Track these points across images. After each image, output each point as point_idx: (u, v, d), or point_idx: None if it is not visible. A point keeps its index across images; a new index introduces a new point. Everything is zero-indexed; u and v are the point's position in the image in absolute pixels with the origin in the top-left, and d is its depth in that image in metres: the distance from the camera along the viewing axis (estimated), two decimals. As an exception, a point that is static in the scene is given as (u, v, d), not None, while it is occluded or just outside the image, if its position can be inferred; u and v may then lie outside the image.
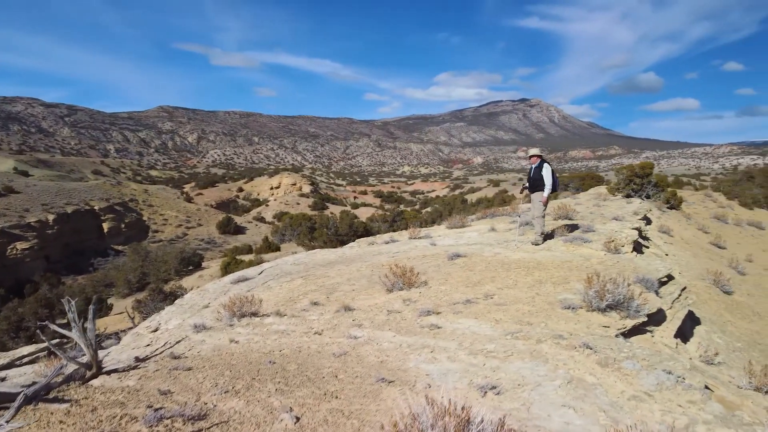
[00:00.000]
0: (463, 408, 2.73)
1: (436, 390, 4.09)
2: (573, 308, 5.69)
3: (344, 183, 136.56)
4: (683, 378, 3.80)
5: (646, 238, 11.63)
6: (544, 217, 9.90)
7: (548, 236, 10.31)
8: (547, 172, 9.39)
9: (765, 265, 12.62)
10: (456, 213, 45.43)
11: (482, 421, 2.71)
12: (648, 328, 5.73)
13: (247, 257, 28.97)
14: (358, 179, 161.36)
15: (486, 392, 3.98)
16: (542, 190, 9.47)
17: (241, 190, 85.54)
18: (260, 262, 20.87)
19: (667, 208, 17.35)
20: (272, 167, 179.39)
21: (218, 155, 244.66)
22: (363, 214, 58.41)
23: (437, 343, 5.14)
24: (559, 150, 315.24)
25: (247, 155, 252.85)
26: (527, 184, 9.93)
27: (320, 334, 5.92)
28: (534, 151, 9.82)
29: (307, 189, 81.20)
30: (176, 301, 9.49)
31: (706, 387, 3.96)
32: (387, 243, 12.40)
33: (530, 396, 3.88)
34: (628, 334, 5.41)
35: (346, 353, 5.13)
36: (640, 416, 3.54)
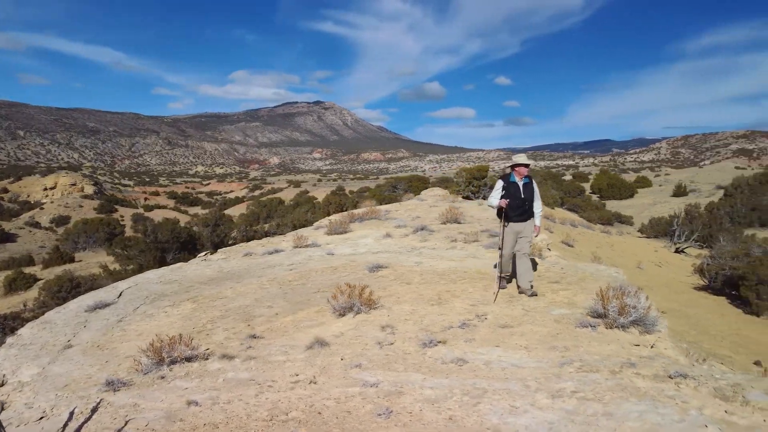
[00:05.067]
0: None
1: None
2: (591, 326, 5.22)
3: (131, 183, 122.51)
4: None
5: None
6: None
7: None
8: (538, 193, 6.77)
9: (611, 261, 14.26)
10: (277, 216, 43.63)
11: None
12: (650, 340, 5.56)
13: (33, 269, 23.54)
14: (147, 179, 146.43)
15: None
16: (532, 216, 6.72)
17: (6, 191, 70.64)
18: (69, 276, 16.91)
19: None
20: (44, 165, 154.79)
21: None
22: (158, 216, 52.83)
23: (492, 386, 4.12)
24: (352, 152, 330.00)
25: (11, 151, 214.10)
26: (506, 208, 6.50)
27: (315, 383, 4.42)
28: (522, 158, 6.64)
29: (90, 190, 70.55)
30: (9, 340, 6.78)
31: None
32: (271, 253, 10.75)
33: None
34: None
35: (390, 412, 3.79)
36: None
